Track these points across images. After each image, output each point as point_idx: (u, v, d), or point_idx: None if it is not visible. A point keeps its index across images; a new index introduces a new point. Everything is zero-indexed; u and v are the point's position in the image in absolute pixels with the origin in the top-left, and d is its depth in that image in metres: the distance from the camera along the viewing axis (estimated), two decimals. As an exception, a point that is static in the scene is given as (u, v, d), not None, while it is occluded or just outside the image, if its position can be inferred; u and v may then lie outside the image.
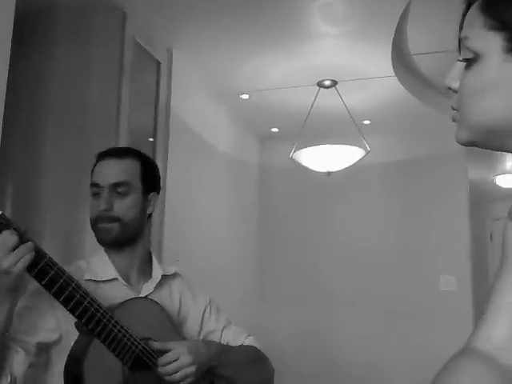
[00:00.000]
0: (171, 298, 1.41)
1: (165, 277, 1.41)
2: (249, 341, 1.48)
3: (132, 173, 1.36)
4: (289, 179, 4.78)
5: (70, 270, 1.14)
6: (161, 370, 1.21)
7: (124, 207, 1.34)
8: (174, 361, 1.20)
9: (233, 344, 1.45)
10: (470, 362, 0.64)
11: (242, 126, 4.54)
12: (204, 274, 3.13)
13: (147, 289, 1.35)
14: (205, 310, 1.47)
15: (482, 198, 5.95)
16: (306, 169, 3.90)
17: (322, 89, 3.72)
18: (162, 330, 1.28)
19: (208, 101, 3.84)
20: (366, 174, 4.47)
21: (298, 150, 3.80)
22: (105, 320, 1.14)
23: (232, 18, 2.91)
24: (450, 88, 0.69)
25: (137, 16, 2.80)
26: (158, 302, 1.31)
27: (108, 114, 2.63)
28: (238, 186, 4.45)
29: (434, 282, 4.37)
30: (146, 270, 1.40)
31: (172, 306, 1.39)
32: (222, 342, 1.44)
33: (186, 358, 1.20)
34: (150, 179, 1.40)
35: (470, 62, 0.66)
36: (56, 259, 1.11)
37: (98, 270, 1.32)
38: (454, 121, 0.70)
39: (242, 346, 1.45)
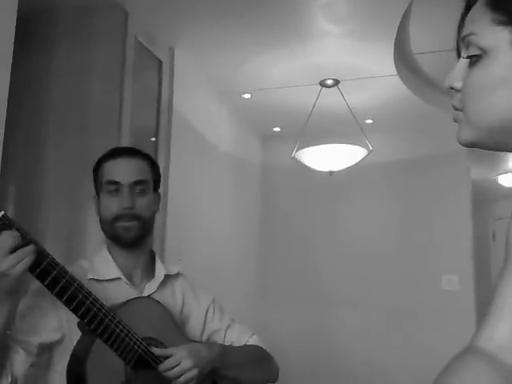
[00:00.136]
0: (174, 297, 1.41)
1: (168, 276, 1.41)
2: (253, 340, 1.48)
3: (146, 171, 1.38)
4: (291, 179, 4.77)
5: (72, 269, 1.14)
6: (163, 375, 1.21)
7: (144, 205, 1.35)
8: (175, 365, 1.20)
9: (237, 343, 1.44)
10: (473, 361, 0.64)
11: (244, 125, 4.54)
12: (206, 273, 3.13)
13: (150, 288, 1.36)
14: (208, 310, 1.47)
15: (485, 198, 5.94)
16: (308, 168, 3.90)
17: (324, 88, 3.72)
18: (165, 330, 1.28)
19: (210, 100, 3.84)
20: (368, 174, 4.47)
21: (300, 149, 3.80)
22: (107, 320, 1.14)
23: (234, 16, 2.90)
24: (452, 88, 0.68)
25: (138, 15, 2.80)
26: (161, 301, 1.31)
27: (110, 113, 2.63)
28: (240, 186, 4.45)
29: (436, 282, 4.37)
30: (149, 270, 1.40)
31: (174, 305, 1.39)
32: (226, 342, 1.44)
33: (187, 363, 1.20)
34: (158, 178, 1.43)
35: (475, 60, 0.64)
36: (58, 259, 1.11)
37: (100, 269, 1.33)
38: (455, 121, 0.69)
39: (245, 345, 1.45)
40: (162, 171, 1.51)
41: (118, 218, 1.31)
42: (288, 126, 4.52)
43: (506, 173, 5.55)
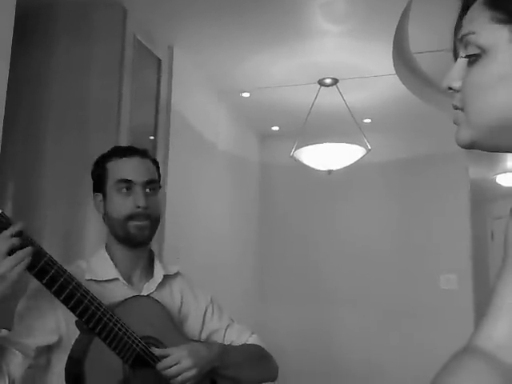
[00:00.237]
0: (172, 296, 1.41)
1: (166, 276, 1.41)
2: (252, 339, 1.47)
3: (154, 171, 1.39)
4: (289, 177, 4.77)
5: (70, 269, 1.13)
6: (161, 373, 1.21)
7: (155, 205, 1.36)
8: (174, 364, 1.20)
9: (236, 342, 1.44)
10: (472, 360, 0.64)
11: (243, 123, 4.53)
12: (204, 271, 3.13)
13: (148, 288, 1.35)
14: (206, 310, 1.47)
15: (483, 197, 5.94)
16: (306, 167, 3.90)
17: (322, 87, 3.72)
18: (163, 329, 1.28)
19: (209, 98, 3.84)
20: (366, 173, 4.47)
21: (298, 148, 3.80)
22: (105, 318, 1.14)
23: (233, 15, 2.90)
24: (450, 88, 0.68)
25: (137, 13, 2.79)
26: (159, 300, 1.31)
27: (109, 111, 2.62)
28: (239, 184, 4.45)
29: (434, 281, 4.38)
30: (147, 270, 1.40)
31: (173, 304, 1.39)
32: (226, 341, 1.44)
33: (186, 362, 1.20)
34: (160, 178, 1.43)
35: (474, 59, 0.64)
36: (56, 257, 1.11)
37: (98, 269, 1.32)
38: (455, 123, 0.68)
39: (244, 345, 1.45)
40: (160, 170, 1.51)
41: (130, 217, 1.30)
42: (286, 124, 4.52)
43: (504, 172, 5.55)
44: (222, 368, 1.30)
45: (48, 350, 1.22)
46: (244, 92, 3.92)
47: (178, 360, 1.20)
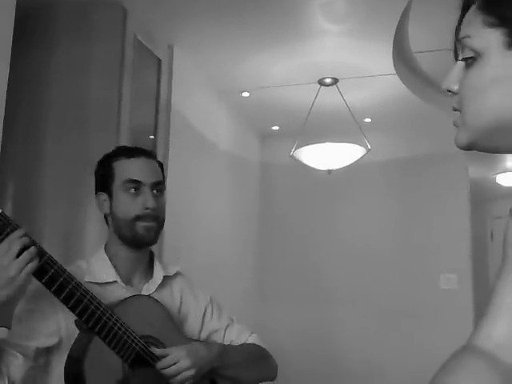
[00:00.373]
0: (172, 297, 1.41)
1: (166, 277, 1.41)
2: (252, 338, 1.47)
3: (160, 172, 1.39)
4: (289, 177, 4.77)
5: (69, 269, 1.13)
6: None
7: (162, 206, 1.37)
8: (173, 364, 1.20)
9: (236, 342, 1.44)
10: (471, 359, 0.64)
11: (243, 123, 4.53)
12: (205, 271, 3.13)
13: (148, 289, 1.35)
14: (206, 310, 1.47)
15: (483, 197, 5.94)
16: (306, 167, 3.90)
17: (322, 87, 3.72)
18: (163, 328, 1.28)
19: (209, 98, 3.84)
20: (366, 172, 4.47)
21: (298, 147, 3.80)
22: (105, 318, 1.14)
23: (233, 15, 2.90)
24: (449, 91, 0.69)
25: (137, 12, 2.79)
26: (159, 301, 1.31)
27: (109, 111, 2.62)
28: (239, 184, 4.45)
29: (434, 281, 4.38)
30: (147, 271, 1.39)
31: (173, 304, 1.39)
32: (226, 341, 1.44)
33: (185, 362, 1.20)
34: (164, 180, 1.43)
35: (470, 62, 0.66)
36: (56, 257, 1.11)
37: (97, 271, 1.31)
38: (454, 125, 0.70)
39: (244, 344, 1.45)
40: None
41: (138, 217, 1.30)
42: (287, 124, 4.52)
43: (504, 172, 5.55)
44: (222, 368, 1.30)
45: (47, 351, 1.21)
46: (244, 92, 3.93)
47: (177, 359, 1.20)
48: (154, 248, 1.44)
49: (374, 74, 3.59)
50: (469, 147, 0.69)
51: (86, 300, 1.11)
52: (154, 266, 1.41)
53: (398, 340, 4.32)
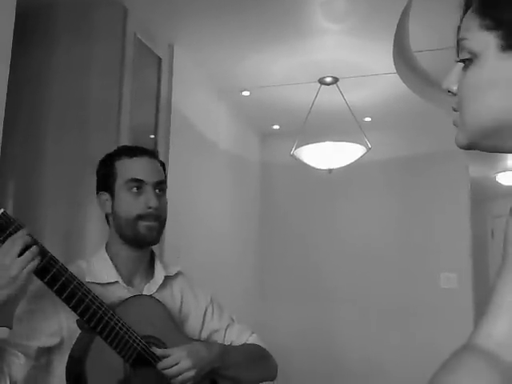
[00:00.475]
0: (173, 297, 1.41)
1: (167, 277, 1.40)
2: (252, 338, 1.48)
3: (162, 172, 1.39)
4: (290, 176, 4.77)
5: (70, 269, 1.13)
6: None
7: (164, 206, 1.36)
8: (174, 364, 1.20)
9: (236, 342, 1.44)
10: (471, 358, 0.64)
11: (243, 122, 4.53)
12: (205, 270, 3.13)
13: (149, 290, 1.35)
14: (206, 309, 1.47)
15: (483, 196, 5.94)
16: (307, 166, 3.90)
17: (323, 86, 3.72)
18: (164, 328, 1.28)
19: (209, 97, 3.84)
20: (366, 172, 4.47)
21: (299, 146, 3.80)
22: (106, 317, 1.14)
23: (233, 14, 2.90)
24: (449, 91, 0.71)
25: (138, 11, 2.79)
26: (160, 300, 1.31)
27: (109, 110, 2.62)
28: (239, 183, 4.45)
29: (434, 280, 4.38)
30: (148, 271, 1.39)
31: (173, 305, 1.39)
32: (226, 341, 1.44)
33: (185, 363, 1.20)
34: (166, 179, 1.43)
35: (467, 63, 0.68)
36: (57, 256, 1.11)
37: (98, 272, 1.30)
38: (454, 125, 0.71)
39: (244, 344, 1.45)
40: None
41: (141, 217, 1.29)
42: (287, 123, 4.52)
43: (504, 171, 5.55)
44: (223, 368, 1.31)
45: (49, 350, 1.21)
46: (244, 91, 3.92)
47: (178, 360, 1.20)
48: (155, 247, 1.44)
49: (374, 73, 3.58)
50: (468, 147, 0.71)
51: (87, 299, 1.12)
52: (155, 266, 1.40)
53: (398, 339, 4.32)
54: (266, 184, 4.90)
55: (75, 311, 1.11)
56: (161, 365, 1.21)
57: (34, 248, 1.04)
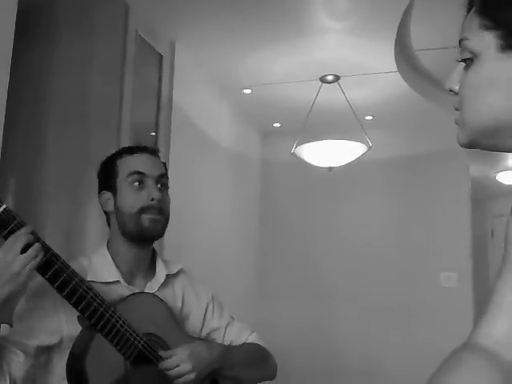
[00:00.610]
0: (174, 295, 1.40)
1: (168, 276, 1.40)
2: (252, 338, 1.47)
3: (164, 168, 1.39)
4: (290, 174, 4.77)
5: (72, 266, 1.13)
6: None
7: (167, 200, 1.35)
8: (175, 366, 1.20)
9: (236, 342, 1.44)
10: (471, 356, 0.64)
11: (244, 120, 4.53)
12: (205, 268, 3.13)
13: (150, 288, 1.34)
14: (207, 307, 1.46)
15: (484, 195, 5.94)
16: (307, 164, 3.90)
17: (324, 84, 3.72)
18: (166, 326, 1.28)
19: (210, 95, 3.84)
20: (367, 170, 4.47)
21: (299, 145, 3.80)
22: (108, 315, 1.13)
23: (235, 12, 2.90)
24: (451, 91, 0.72)
25: (139, 8, 2.79)
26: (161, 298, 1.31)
27: (110, 107, 2.62)
28: (240, 181, 4.45)
29: (434, 279, 4.38)
30: (150, 269, 1.39)
31: (175, 303, 1.38)
32: (226, 340, 1.44)
33: (186, 366, 1.20)
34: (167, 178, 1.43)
35: (469, 63, 0.69)
36: (58, 252, 1.11)
37: (99, 270, 1.30)
38: (456, 123, 0.72)
39: (244, 344, 1.45)
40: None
41: (143, 210, 1.28)
42: (288, 121, 4.52)
43: (505, 170, 5.55)
44: (224, 369, 1.31)
45: (48, 349, 1.21)
46: (246, 89, 3.92)
47: (179, 362, 1.20)
48: (155, 245, 1.44)
49: (375, 72, 3.58)
50: (470, 145, 0.72)
51: (88, 296, 1.11)
52: (157, 264, 1.40)
53: (398, 337, 4.33)
54: (267, 182, 4.90)
55: (76, 308, 1.11)
56: (162, 365, 1.21)
57: (37, 245, 1.03)
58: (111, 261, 1.32)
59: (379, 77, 3.65)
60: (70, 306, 1.11)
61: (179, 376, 1.20)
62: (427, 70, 3.47)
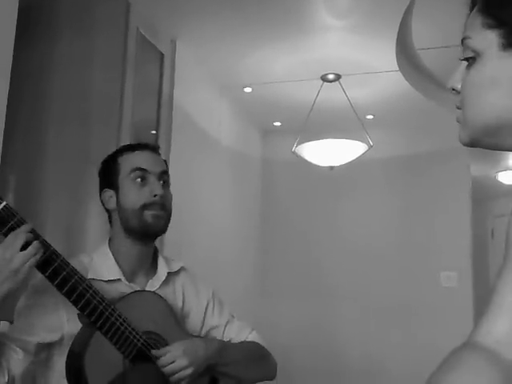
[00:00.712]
0: (174, 293, 1.40)
1: (169, 273, 1.40)
2: (252, 336, 1.47)
3: (165, 165, 1.39)
4: (291, 173, 4.77)
5: (72, 264, 1.13)
6: None
7: (169, 197, 1.35)
8: (171, 362, 1.20)
9: (236, 340, 1.44)
10: (471, 356, 0.64)
11: (245, 119, 4.53)
12: (206, 266, 3.13)
13: (152, 286, 1.34)
14: (207, 305, 1.46)
15: (484, 195, 5.94)
16: (308, 163, 3.90)
17: (325, 83, 3.71)
18: (166, 324, 1.28)
19: (211, 94, 3.83)
20: (368, 169, 4.47)
21: (300, 143, 3.79)
22: (107, 313, 1.13)
23: (236, 10, 2.89)
24: (454, 90, 0.72)
25: (140, 6, 2.79)
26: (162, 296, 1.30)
27: (111, 105, 2.62)
28: (241, 180, 4.45)
29: (434, 278, 4.38)
30: (151, 267, 1.38)
31: (175, 301, 1.38)
32: (225, 338, 1.43)
33: (182, 361, 1.20)
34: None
35: (471, 62, 0.69)
36: (58, 250, 1.11)
37: (100, 268, 1.29)
38: (458, 122, 0.72)
39: (243, 342, 1.44)
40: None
41: (146, 206, 1.28)
42: (289, 120, 4.51)
43: (505, 170, 5.55)
44: (220, 365, 1.30)
45: (49, 346, 1.21)
46: (246, 87, 3.92)
47: (174, 358, 1.20)
48: (156, 243, 1.43)
49: (376, 71, 3.58)
50: (471, 144, 0.72)
51: (88, 294, 1.11)
52: (158, 262, 1.39)
53: (398, 337, 4.33)
54: (268, 181, 4.90)
55: (76, 306, 1.11)
56: (159, 362, 1.21)
57: (37, 243, 1.04)
58: (113, 259, 1.31)
59: (380, 76, 3.64)
60: (71, 304, 1.11)
61: (174, 372, 1.20)
62: (428, 69, 3.47)
